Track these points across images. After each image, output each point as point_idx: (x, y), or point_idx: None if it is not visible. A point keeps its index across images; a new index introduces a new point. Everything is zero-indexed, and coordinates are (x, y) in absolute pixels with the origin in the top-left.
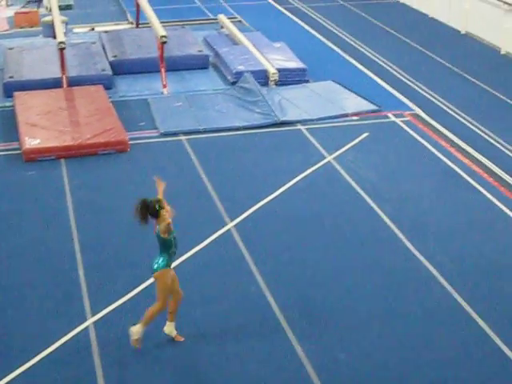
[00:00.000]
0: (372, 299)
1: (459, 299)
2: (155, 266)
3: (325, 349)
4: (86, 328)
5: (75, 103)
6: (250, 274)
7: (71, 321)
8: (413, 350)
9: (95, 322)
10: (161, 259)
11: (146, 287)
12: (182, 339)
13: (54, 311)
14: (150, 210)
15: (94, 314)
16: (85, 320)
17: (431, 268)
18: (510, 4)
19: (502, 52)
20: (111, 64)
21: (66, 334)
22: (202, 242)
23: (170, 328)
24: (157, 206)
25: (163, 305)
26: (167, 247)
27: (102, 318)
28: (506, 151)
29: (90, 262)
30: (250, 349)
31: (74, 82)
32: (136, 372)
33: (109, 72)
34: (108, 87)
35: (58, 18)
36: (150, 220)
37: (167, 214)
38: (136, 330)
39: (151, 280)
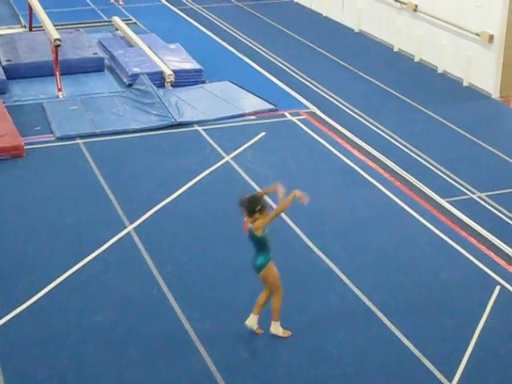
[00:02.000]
0: None
1: (359, 293)
2: (257, 267)
3: (228, 350)
4: None
5: None
6: (150, 276)
7: None
8: (316, 348)
9: None
10: (260, 258)
11: (45, 293)
12: (262, 332)
13: None
14: (253, 206)
15: None
16: None
17: (331, 264)
18: (402, 2)
19: (395, 49)
20: (4, 68)
21: None
22: (102, 245)
23: (253, 321)
24: (259, 206)
25: (281, 291)
26: (263, 244)
27: (3, 324)
28: (401, 146)
29: None
30: (154, 352)
31: None
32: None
33: (2, 77)
34: (2, 92)
35: None
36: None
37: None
38: (277, 330)
39: (47, 286)
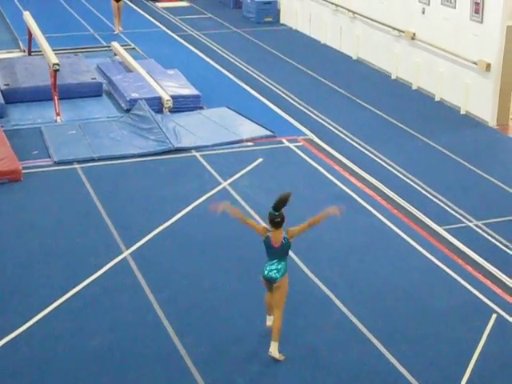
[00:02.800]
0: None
1: (355, 321)
2: (278, 274)
3: (224, 375)
4: None
5: None
6: (146, 301)
7: None
8: (312, 375)
9: None
10: (282, 265)
11: (41, 318)
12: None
13: None
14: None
15: None
16: None
17: (327, 291)
18: (399, 30)
19: (393, 77)
20: (3, 93)
21: None
22: (98, 270)
23: (275, 349)
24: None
25: (283, 308)
26: (287, 253)
27: None
28: (398, 174)
29: None
30: (150, 377)
31: None
32: None
33: (1, 101)
34: (0, 116)
35: None
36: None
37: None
38: (275, 352)
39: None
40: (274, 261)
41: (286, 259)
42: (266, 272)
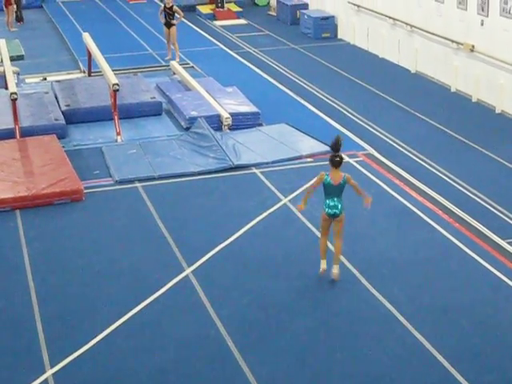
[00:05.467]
0: (333, 341)
1: (419, 337)
2: (339, 211)
3: None
4: (45, 380)
5: (29, 153)
6: (209, 319)
7: (30, 374)
8: None
9: (54, 374)
10: (340, 202)
11: (105, 336)
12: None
13: (13, 365)
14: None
15: (52, 366)
16: (44, 372)
17: (390, 307)
18: (458, 43)
19: (452, 90)
20: (64, 113)
21: None
22: (160, 288)
23: (324, 265)
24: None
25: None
26: (342, 191)
27: (60, 369)
28: (459, 186)
29: (47, 313)
30: None
31: (27, 133)
32: None
33: (62, 121)
34: (61, 136)
35: (9, 69)
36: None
37: None
38: (337, 273)
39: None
40: (334, 198)
41: (341, 197)
42: (329, 210)
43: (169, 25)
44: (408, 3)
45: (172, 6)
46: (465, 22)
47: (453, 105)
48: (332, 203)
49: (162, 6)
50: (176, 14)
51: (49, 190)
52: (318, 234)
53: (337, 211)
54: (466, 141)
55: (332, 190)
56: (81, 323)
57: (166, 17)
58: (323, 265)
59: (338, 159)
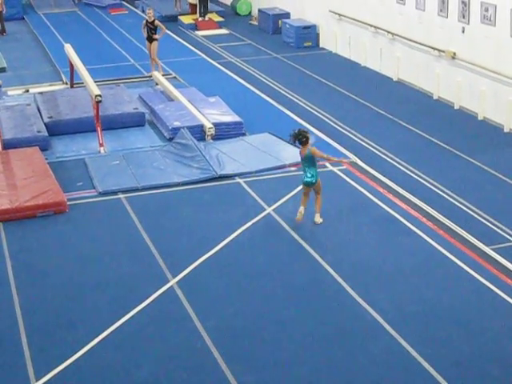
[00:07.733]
0: (319, 350)
1: (405, 344)
2: (314, 180)
3: None
4: None
5: (11, 166)
6: (194, 330)
7: None
8: None
9: None
10: (313, 172)
11: (90, 349)
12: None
13: None
14: (299, 138)
15: (37, 379)
16: None
17: (376, 315)
18: (440, 50)
19: (434, 97)
20: (47, 125)
21: None
22: (145, 300)
23: (303, 210)
24: (304, 138)
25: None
26: (314, 161)
27: (46, 382)
28: (443, 194)
29: (32, 326)
30: None
31: (10, 145)
32: None
33: (44, 133)
34: (44, 148)
35: None
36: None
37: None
38: (318, 219)
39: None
40: (306, 169)
41: (315, 167)
42: (305, 179)
43: (150, 39)
44: (389, 11)
45: (154, 21)
46: (446, 29)
47: (435, 112)
48: (307, 173)
49: (145, 20)
50: (158, 28)
51: (32, 203)
52: (303, 244)
53: (312, 179)
54: (449, 148)
55: (303, 163)
56: (66, 336)
57: (148, 31)
58: (299, 213)
59: (303, 139)
